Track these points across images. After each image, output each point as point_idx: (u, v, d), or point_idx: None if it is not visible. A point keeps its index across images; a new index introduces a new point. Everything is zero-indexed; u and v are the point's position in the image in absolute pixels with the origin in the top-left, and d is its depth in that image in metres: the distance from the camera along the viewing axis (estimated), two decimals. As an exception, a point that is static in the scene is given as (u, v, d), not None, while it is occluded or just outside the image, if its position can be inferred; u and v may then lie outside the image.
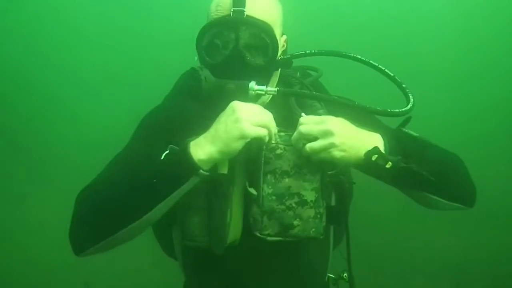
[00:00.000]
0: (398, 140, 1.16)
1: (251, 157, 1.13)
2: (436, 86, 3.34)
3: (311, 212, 1.13)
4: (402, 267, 3.30)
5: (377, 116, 1.26)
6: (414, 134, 1.21)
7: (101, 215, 1.04)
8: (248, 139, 1.04)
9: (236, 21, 1.16)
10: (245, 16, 1.16)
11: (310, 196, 1.13)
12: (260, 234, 1.15)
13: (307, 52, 1.48)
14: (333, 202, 1.27)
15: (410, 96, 1.27)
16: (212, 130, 1.07)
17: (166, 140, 1.08)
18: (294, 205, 1.12)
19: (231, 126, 1.04)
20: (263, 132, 1.06)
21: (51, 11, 3.66)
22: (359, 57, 1.41)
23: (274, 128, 1.11)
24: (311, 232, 1.15)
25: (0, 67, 3.65)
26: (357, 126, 1.15)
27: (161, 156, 1.05)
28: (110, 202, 1.04)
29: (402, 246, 3.21)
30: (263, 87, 1.17)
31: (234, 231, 1.16)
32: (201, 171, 1.03)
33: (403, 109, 1.22)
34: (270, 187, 1.13)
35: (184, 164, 1.03)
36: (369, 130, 1.16)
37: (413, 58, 3.27)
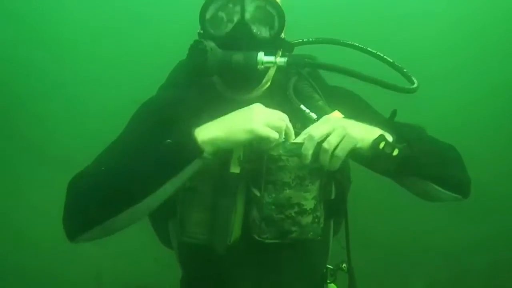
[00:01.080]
0: (396, 131, 1.14)
1: (255, 157, 1.10)
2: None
3: (309, 219, 1.12)
4: (401, 257, 3.33)
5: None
6: (410, 123, 1.21)
7: (94, 200, 1.01)
8: (255, 136, 1.02)
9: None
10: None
11: (309, 204, 1.12)
12: (258, 237, 1.14)
13: (304, 40, 1.44)
14: (332, 195, 1.26)
15: (414, 79, 1.25)
16: (222, 118, 1.05)
17: (163, 129, 1.06)
18: (293, 214, 1.11)
19: (242, 118, 1.03)
20: (273, 135, 1.03)
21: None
22: (357, 44, 1.39)
23: (290, 133, 1.09)
24: (309, 235, 1.14)
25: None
26: (356, 118, 1.13)
27: (160, 142, 1.01)
28: (104, 188, 1.01)
29: (401, 234, 3.23)
30: (272, 58, 1.12)
31: (237, 230, 1.16)
32: (204, 154, 1.00)
33: (412, 87, 1.22)
34: (270, 196, 1.10)
35: (186, 145, 1.00)
36: (368, 122, 1.14)
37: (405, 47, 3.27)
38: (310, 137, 1.05)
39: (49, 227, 3.26)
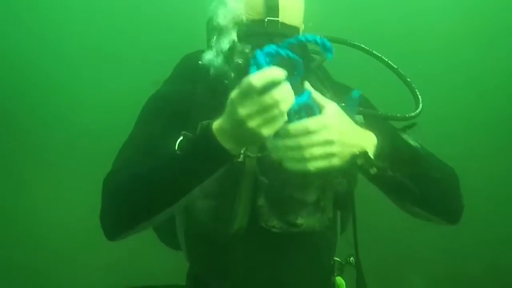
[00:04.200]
0: (392, 144, 1.09)
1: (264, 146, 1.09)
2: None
3: (315, 211, 1.15)
4: (401, 252, 3.37)
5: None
6: (412, 142, 1.15)
7: (129, 204, 1.04)
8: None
9: (270, 34, 1.11)
10: (279, 26, 1.12)
11: (313, 196, 1.14)
12: (265, 225, 1.16)
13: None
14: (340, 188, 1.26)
15: (419, 98, 1.22)
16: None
17: (176, 123, 1.07)
18: (296, 209, 1.14)
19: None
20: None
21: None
22: (363, 46, 1.38)
23: None
24: (315, 227, 1.17)
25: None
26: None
27: (179, 144, 1.03)
28: (137, 193, 1.03)
29: (401, 230, 3.24)
30: None
31: (241, 218, 1.16)
32: (234, 159, 0.99)
33: (414, 113, 1.20)
34: (279, 185, 1.12)
35: (217, 156, 0.96)
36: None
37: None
38: (298, 145, 0.95)
39: (53, 225, 3.31)
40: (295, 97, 0.92)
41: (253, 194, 1.17)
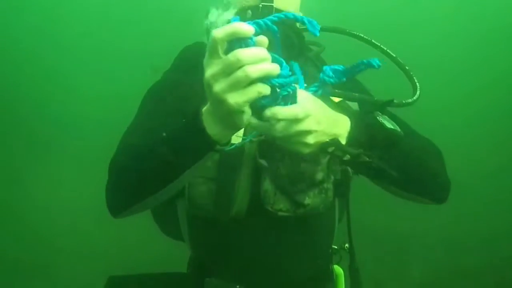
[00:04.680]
0: (367, 128, 1.05)
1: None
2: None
3: (320, 191, 1.17)
4: (400, 241, 3.39)
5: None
6: (389, 125, 1.07)
7: (128, 183, 1.06)
8: None
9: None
10: (273, 12, 1.14)
11: (320, 176, 1.16)
12: (272, 208, 1.17)
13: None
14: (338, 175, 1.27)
15: (417, 84, 1.21)
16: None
17: (176, 112, 1.06)
18: (305, 187, 1.15)
19: None
20: None
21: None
22: (362, 35, 1.37)
23: None
24: (320, 208, 1.19)
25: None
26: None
27: (174, 133, 0.99)
28: (135, 175, 1.05)
29: (401, 221, 3.28)
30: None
31: (240, 202, 1.18)
32: (218, 146, 0.92)
33: (411, 100, 1.17)
34: (286, 169, 1.14)
35: (200, 142, 0.92)
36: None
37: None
38: (274, 131, 0.90)
39: (51, 220, 3.31)
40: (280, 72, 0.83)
41: (253, 178, 1.18)
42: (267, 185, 1.16)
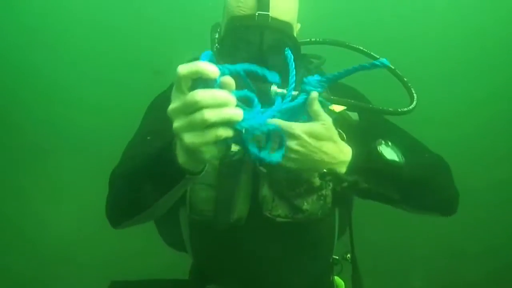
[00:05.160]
0: (369, 156, 1.09)
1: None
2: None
3: (319, 197, 1.18)
4: (401, 250, 3.38)
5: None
6: (388, 156, 1.09)
7: (121, 200, 1.11)
8: None
9: (261, 27, 1.13)
10: (269, 20, 1.14)
11: (317, 182, 1.17)
12: (270, 214, 1.18)
13: (312, 40, 1.46)
14: None
15: (414, 96, 1.23)
16: None
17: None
18: (303, 191, 1.16)
19: None
20: None
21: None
22: (362, 48, 1.39)
23: None
24: (318, 214, 1.19)
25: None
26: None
27: (160, 152, 0.98)
28: (124, 195, 1.09)
29: (402, 230, 3.27)
30: (284, 91, 1.08)
31: (240, 208, 1.19)
32: (187, 176, 0.89)
33: (406, 109, 1.18)
34: (282, 174, 1.15)
35: (171, 170, 0.90)
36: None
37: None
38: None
39: (51, 230, 3.30)
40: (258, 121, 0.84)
41: (253, 184, 1.19)
42: (265, 191, 1.17)
